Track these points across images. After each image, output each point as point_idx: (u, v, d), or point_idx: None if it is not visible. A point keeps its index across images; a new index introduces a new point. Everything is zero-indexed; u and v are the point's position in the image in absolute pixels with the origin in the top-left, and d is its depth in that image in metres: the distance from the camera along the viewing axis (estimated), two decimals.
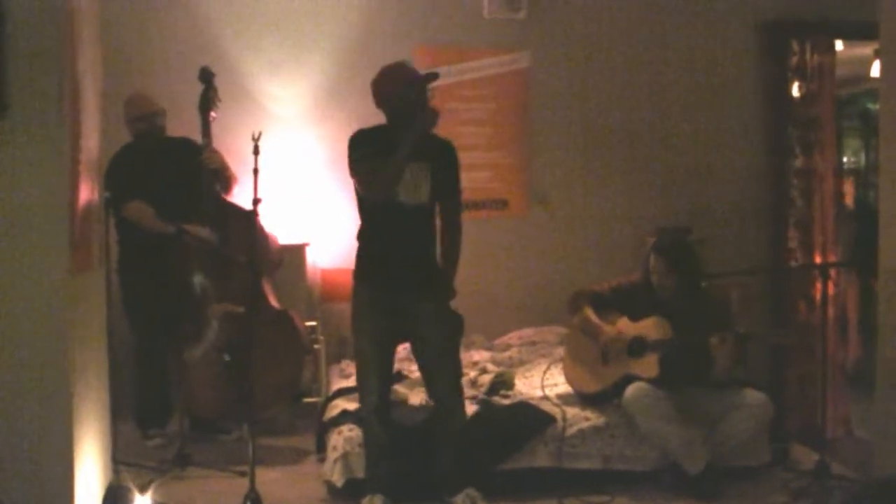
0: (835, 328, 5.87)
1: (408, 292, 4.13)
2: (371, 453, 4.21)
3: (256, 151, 4.13)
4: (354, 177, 4.12)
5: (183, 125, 5.31)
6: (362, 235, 4.24)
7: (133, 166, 5.10)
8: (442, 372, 4.21)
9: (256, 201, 4.18)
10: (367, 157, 4.05)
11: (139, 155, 5.16)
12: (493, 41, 6.30)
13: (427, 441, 4.27)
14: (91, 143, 3.59)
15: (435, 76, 4.09)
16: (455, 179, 4.24)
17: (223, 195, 5.17)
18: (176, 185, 5.11)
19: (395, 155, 3.96)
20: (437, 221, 4.27)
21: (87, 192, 3.49)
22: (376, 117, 4.20)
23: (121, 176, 4.95)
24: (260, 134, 4.15)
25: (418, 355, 4.30)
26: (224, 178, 5.16)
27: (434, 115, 4.03)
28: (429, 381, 4.30)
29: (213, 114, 5.10)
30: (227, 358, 4.98)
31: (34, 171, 3.11)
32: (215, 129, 5.14)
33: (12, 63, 3.04)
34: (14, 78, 3.05)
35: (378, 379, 4.20)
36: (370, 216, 4.20)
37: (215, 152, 5.11)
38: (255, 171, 4.15)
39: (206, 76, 5.07)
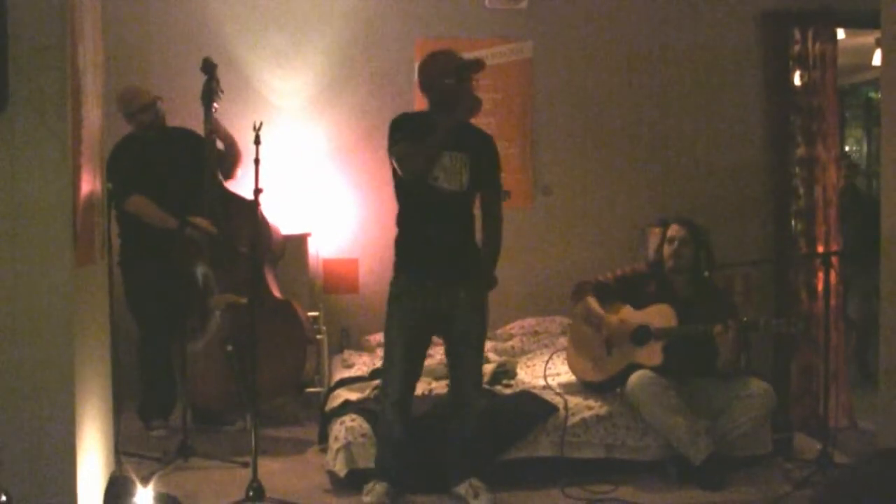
0: (838, 318, 5.85)
1: (446, 278, 4.08)
2: (382, 443, 4.20)
3: (258, 141, 4.10)
4: (391, 157, 4.08)
5: (185, 118, 5.31)
6: (400, 221, 4.18)
7: (135, 157, 5.09)
8: (468, 363, 4.18)
9: (258, 191, 4.14)
10: (405, 138, 4.01)
11: (141, 145, 5.15)
12: (494, 31, 6.29)
13: (429, 431, 4.26)
14: (93, 137, 3.58)
15: (480, 65, 4.06)
16: (494, 171, 4.21)
17: (227, 179, 5.18)
18: (178, 175, 5.12)
19: (432, 137, 3.93)
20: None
21: (89, 186, 3.48)
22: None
23: (123, 167, 4.94)
24: (261, 124, 4.11)
25: (449, 342, 4.24)
26: (231, 156, 5.18)
27: (477, 104, 4.01)
28: (452, 368, 4.26)
29: (215, 105, 5.09)
30: (229, 349, 4.97)
31: (36, 166, 3.11)
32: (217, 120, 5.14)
33: (14, 57, 3.03)
34: (15, 72, 3.04)
35: (402, 372, 4.14)
36: (408, 201, 4.14)
37: (219, 127, 5.10)
38: (257, 161, 4.12)
39: (209, 67, 5.06)
